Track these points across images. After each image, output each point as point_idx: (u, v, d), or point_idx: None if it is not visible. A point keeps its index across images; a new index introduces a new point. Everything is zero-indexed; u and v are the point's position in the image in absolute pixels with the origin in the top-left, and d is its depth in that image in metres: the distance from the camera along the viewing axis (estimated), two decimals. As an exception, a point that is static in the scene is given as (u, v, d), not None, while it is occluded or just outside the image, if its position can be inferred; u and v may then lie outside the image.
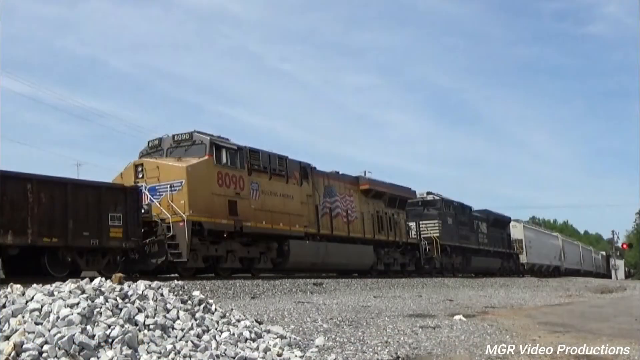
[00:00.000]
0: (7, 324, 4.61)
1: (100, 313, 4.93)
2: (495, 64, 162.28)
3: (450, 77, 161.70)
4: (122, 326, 4.86)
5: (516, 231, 39.35)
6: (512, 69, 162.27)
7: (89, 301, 4.96)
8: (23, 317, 4.72)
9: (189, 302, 5.97)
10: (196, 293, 6.33)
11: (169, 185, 14.44)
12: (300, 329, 7.82)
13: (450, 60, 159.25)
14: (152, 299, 5.55)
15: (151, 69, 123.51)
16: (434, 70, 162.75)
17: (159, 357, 4.80)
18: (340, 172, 22.24)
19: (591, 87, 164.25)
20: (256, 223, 16.36)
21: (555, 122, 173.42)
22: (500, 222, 36.35)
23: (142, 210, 13.82)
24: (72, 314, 4.72)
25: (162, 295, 5.77)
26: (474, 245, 30.99)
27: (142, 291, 5.62)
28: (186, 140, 15.68)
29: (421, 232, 26.19)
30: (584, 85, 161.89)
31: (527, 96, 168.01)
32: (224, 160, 15.73)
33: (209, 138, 15.59)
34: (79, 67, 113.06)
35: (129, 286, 5.65)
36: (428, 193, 28.91)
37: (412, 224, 26.06)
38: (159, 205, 14.21)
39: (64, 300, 4.90)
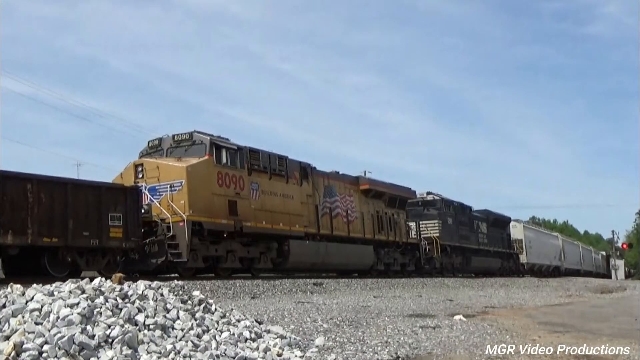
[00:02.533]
0: (7, 323, 4.62)
1: (100, 313, 4.94)
2: (495, 64, 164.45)
3: (450, 77, 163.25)
4: (122, 326, 4.87)
5: (516, 231, 39.48)
6: (512, 69, 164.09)
7: (89, 301, 4.96)
8: (23, 317, 4.72)
9: (189, 302, 5.98)
10: (196, 293, 6.35)
11: (169, 185, 14.46)
12: (300, 329, 7.85)
13: (450, 60, 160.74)
14: (152, 299, 5.56)
15: (151, 69, 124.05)
16: (434, 70, 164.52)
17: (159, 357, 4.82)
18: (340, 172, 22.31)
19: (591, 87, 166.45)
20: (256, 223, 16.39)
21: (555, 122, 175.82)
22: (500, 222, 36.46)
23: (142, 210, 13.83)
24: (72, 314, 4.73)
25: (162, 295, 5.78)
26: (474, 245, 31.12)
27: (142, 291, 5.62)
28: (186, 140, 15.71)
29: (421, 232, 26.27)
30: (584, 85, 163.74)
31: (527, 96, 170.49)
32: (224, 160, 15.75)
33: (209, 138, 15.62)
34: (79, 67, 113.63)
35: (129, 286, 5.67)
36: (428, 193, 28.99)
37: (412, 224, 26.14)
38: (159, 205, 14.22)
39: (64, 300, 4.91)
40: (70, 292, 5.10)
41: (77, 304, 4.87)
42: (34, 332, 4.49)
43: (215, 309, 6.20)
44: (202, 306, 6.04)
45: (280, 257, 17.56)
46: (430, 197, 28.71)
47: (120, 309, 5.12)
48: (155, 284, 6.00)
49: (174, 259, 13.97)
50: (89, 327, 4.75)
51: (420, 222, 26.54)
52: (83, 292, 5.15)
